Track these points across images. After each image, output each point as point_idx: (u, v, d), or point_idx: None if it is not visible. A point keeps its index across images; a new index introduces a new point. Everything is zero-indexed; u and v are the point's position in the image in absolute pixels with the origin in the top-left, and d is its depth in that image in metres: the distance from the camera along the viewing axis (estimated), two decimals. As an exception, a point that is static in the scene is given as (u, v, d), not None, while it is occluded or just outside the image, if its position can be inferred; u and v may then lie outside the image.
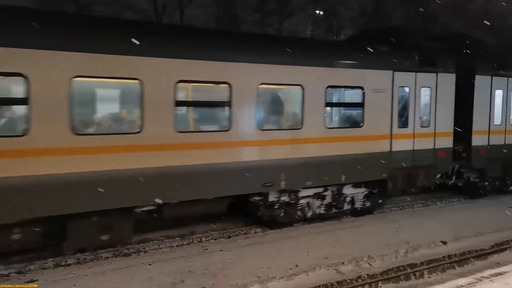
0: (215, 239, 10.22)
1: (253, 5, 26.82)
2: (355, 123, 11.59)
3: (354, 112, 11.78)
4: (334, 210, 11.68)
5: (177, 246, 9.71)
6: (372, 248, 9.60)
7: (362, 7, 30.31)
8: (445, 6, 27.89)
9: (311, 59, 10.51)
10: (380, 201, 12.57)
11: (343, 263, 8.78)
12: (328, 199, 11.47)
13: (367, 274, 8.32)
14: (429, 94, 12.72)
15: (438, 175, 13.32)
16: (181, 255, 9.09)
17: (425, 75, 12.51)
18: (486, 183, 14.83)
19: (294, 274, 8.19)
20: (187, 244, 9.83)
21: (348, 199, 11.82)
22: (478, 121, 14.02)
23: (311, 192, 11.12)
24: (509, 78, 14.83)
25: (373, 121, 11.57)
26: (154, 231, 10.36)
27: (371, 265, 8.89)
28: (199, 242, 10.02)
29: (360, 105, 11.40)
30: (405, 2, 29.19)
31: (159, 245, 9.65)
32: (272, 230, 10.84)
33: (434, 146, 12.82)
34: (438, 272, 8.73)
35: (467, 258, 9.30)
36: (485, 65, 14.25)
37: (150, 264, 8.51)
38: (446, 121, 13.06)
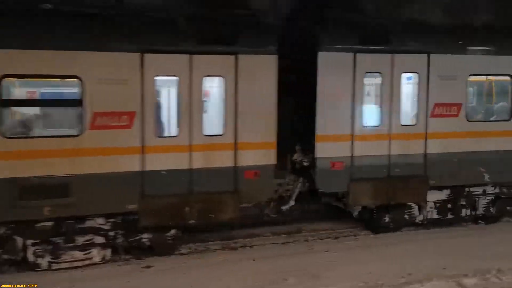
0: (321, 239, 9.94)
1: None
2: None
3: None
4: None
5: (283, 243, 9.63)
6: (501, 260, 8.38)
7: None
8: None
9: None
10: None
11: (466, 275, 7.80)
12: None
13: (497, 291, 7.29)
14: None
15: None
16: (285, 252, 9.01)
17: None
18: None
19: (407, 283, 7.51)
20: (293, 242, 9.70)
21: None
22: None
23: None
24: None
25: None
26: (260, 227, 10.41)
27: (501, 279, 7.76)
28: (305, 241, 9.84)
29: None
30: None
31: (264, 242, 9.70)
32: (383, 234, 10.18)
33: None
34: None
35: None
36: None
37: (254, 260, 8.59)
38: None
